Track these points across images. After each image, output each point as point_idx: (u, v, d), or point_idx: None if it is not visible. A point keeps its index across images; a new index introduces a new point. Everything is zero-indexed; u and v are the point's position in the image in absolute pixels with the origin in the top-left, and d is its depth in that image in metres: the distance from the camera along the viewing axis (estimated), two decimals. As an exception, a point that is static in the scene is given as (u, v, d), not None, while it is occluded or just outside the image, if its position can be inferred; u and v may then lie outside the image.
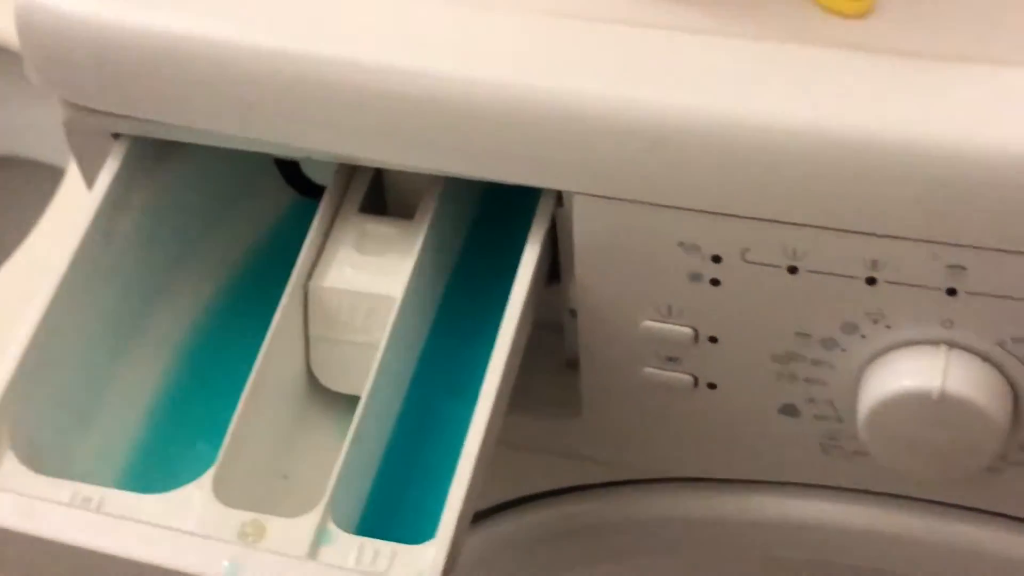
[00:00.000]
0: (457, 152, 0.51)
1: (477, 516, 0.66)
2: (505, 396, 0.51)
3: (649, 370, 0.56)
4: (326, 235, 0.55)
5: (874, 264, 0.49)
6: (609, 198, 0.50)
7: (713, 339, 0.54)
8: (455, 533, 0.46)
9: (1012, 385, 0.51)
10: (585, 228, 0.52)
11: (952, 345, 0.50)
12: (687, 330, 0.54)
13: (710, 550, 0.65)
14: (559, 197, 0.53)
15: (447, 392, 0.55)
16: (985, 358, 0.50)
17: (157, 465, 0.54)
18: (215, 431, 0.50)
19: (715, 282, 0.52)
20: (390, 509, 0.52)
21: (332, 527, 0.47)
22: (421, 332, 0.55)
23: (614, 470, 0.63)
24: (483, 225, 0.59)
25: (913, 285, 0.49)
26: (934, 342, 0.51)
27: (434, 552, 0.46)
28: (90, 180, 0.58)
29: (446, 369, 0.55)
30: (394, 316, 0.52)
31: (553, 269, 0.56)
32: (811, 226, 0.49)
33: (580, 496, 0.64)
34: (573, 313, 0.56)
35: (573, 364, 0.59)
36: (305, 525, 0.47)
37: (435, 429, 0.54)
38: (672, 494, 0.62)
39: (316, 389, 0.56)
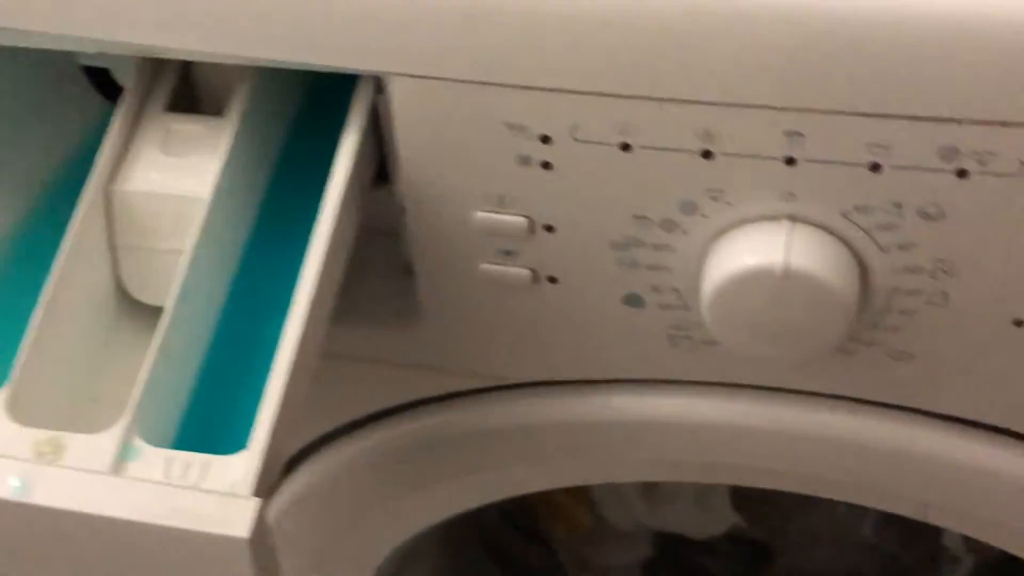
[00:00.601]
0: (260, 38, 0.48)
1: (326, 438, 0.63)
2: (326, 302, 0.48)
3: (485, 266, 0.53)
4: (129, 137, 0.51)
5: (708, 135, 0.46)
6: (428, 78, 0.47)
7: (549, 228, 0.51)
8: (268, 443, 0.43)
9: (858, 258, 0.48)
10: (405, 113, 0.49)
11: (795, 219, 0.48)
12: (521, 220, 0.51)
13: (569, 455, 0.62)
14: (379, 83, 0.49)
15: (270, 301, 0.51)
16: (829, 231, 0.48)
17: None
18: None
19: (546, 165, 0.49)
20: (210, 427, 0.49)
21: (138, 442, 0.44)
22: (238, 235, 0.52)
23: (464, 379, 0.60)
24: (311, 118, 0.56)
25: (750, 156, 0.47)
26: (776, 217, 0.48)
27: (246, 462, 0.43)
28: None
29: (269, 277, 0.52)
30: (202, 218, 0.48)
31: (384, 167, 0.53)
32: (642, 98, 0.46)
33: (433, 409, 0.61)
34: (404, 211, 0.53)
35: (410, 270, 0.56)
36: (107, 441, 0.43)
37: (255, 347, 0.50)
38: (523, 400, 0.59)
39: (130, 303, 0.52)
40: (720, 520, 0.92)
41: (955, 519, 0.64)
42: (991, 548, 0.89)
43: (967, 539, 0.89)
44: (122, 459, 0.43)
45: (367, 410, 0.62)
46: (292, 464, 0.65)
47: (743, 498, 0.91)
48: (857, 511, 0.91)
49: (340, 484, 0.64)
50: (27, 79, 0.57)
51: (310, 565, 0.68)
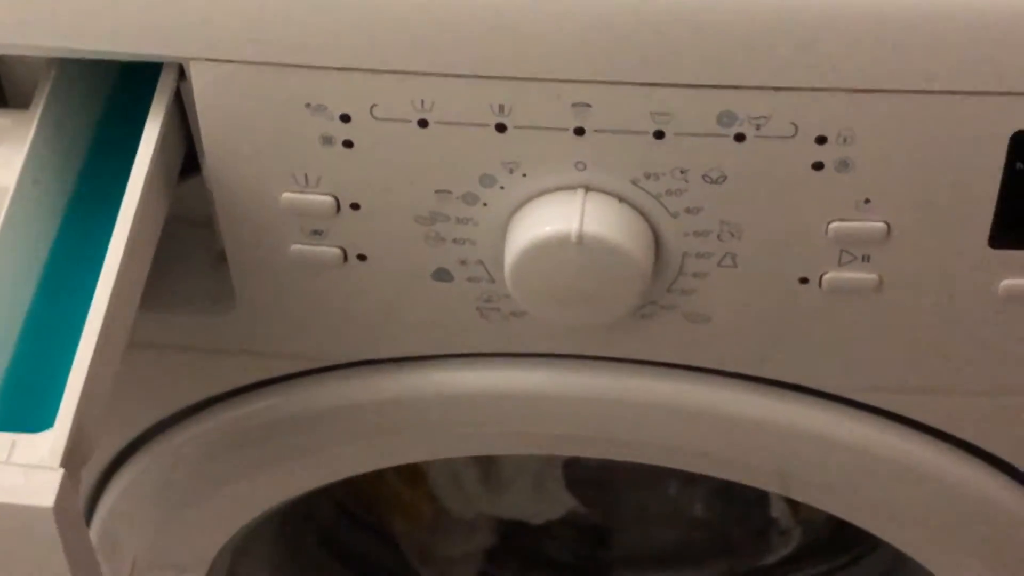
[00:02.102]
0: (57, 26, 0.48)
1: (154, 429, 0.64)
2: (130, 284, 0.49)
3: (296, 247, 0.54)
4: (-67, 130, 0.52)
5: (502, 109, 0.48)
6: (227, 61, 0.48)
7: (355, 206, 0.52)
8: (75, 419, 0.44)
9: (650, 224, 0.51)
10: (207, 99, 0.50)
11: (589, 188, 0.50)
12: (327, 199, 0.52)
13: (392, 433, 0.63)
14: (182, 70, 0.50)
15: (82, 288, 0.52)
16: (622, 198, 0.50)
17: None
18: None
19: (348, 144, 0.50)
20: (28, 406, 0.49)
21: (-56, 424, 0.44)
22: (49, 226, 0.52)
23: (285, 363, 0.61)
24: (123, 107, 0.56)
25: (542, 128, 0.49)
26: (571, 187, 0.50)
27: (53, 438, 0.43)
28: None
29: (80, 264, 0.52)
30: (7, 204, 0.48)
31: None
32: (435, 74, 0.48)
33: (255, 394, 0.62)
34: (212, 196, 0.54)
35: (224, 256, 0.57)
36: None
37: (66, 330, 0.51)
38: (344, 381, 0.60)
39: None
40: (556, 504, 0.93)
41: (766, 481, 0.66)
42: (819, 520, 0.92)
43: (794, 511, 0.92)
44: (-75, 441, 0.43)
45: (194, 398, 0.63)
46: (126, 455, 0.65)
47: (578, 481, 0.93)
48: (689, 488, 0.94)
49: (172, 473, 0.64)
50: None
51: (149, 556, 0.69)
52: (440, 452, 0.68)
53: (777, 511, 0.93)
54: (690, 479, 0.89)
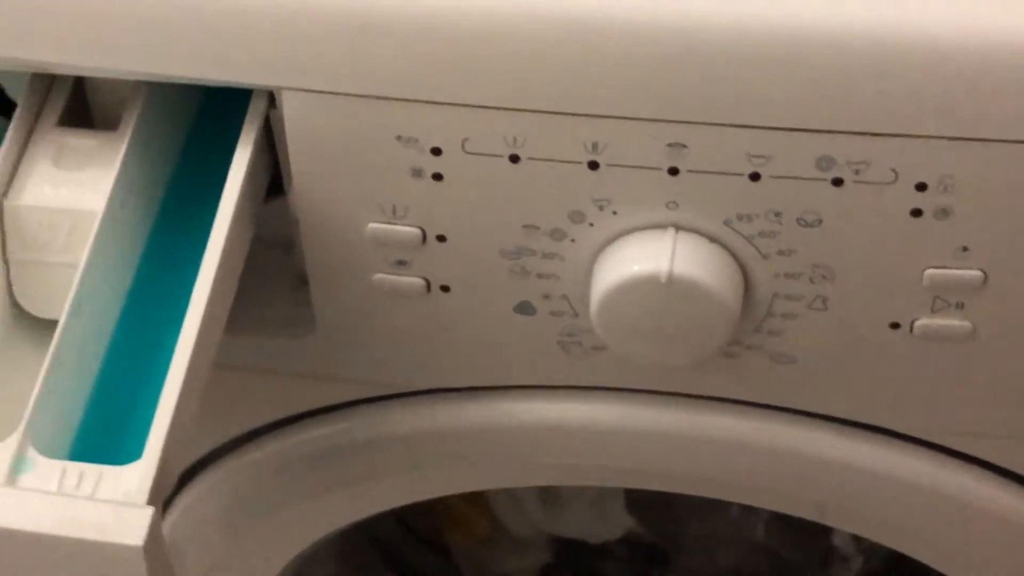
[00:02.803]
0: (153, 53, 0.48)
1: (225, 448, 0.64)
2: (219, 313, 0.49)
3: (379, 276, 0.53)
4: (22, 151, 0.51)
5: (595, 147, 0.48)
6: (320, 92, 0.48)
7: (441, 238, 0.52)
8: (163, 453, 0.44)
9: (741, 264, 0.50)
10: (298, 127, 0.49)
11: (679, 228, 0.49)
12: (414, 230, 0.52)
13: (465, 461, 0.63)
14: (272, 97, 0.50)
15: (166, 313, 0.52)
16: (712, 238, 0.49)
17: None
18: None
19: (438, 177, 0.50)
20: (105, 439, 0.49)
21: (32, 453, 0.44)
22: (134, 248, 0.52)
23: (360, 388, 0.60)
24: (204, 132, 0.56)
25: (635, 166, 0.48)
26: (661, 226, 0.49)
27: (140, 472, 0.43)
28: None
29: (165, 288, 0.52)
30: (94, 231, 0.48)
31: (279, 180, 0.54)
32: (529, 111, 0.47)
33: (329, 417, 0.62)
34: (298, 223, 0.53)
35: (306, 281, 0.56)
36: (0, 454, 0.43)
37: (150, 359, 0.51)
38: (421, 407, 0.60)
39: (22, 317, 0.52)
40: (616, 524, 0.93)
41: (846, 519, 0.66)
42: (880, 548, 0.92)
43: (857, 540, 0.91)
44: (15, 471, 0.43)
45: (264, 420, 0.63)
46: (191, 474, 0.65)
47: (638, 502, 0.92)
48: (750, 513, 0.93)
49: (238, 494, 0.64)
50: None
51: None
52: (509, 482, 0.67)
53: (839, 539, 0.92)
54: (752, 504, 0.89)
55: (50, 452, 0.45)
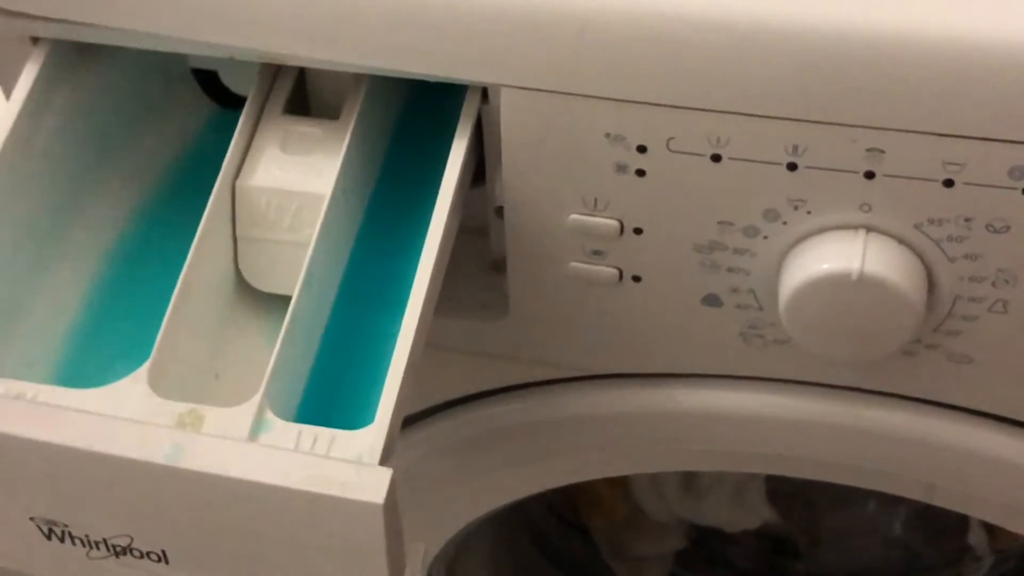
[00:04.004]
0: (381, 48, 0.51)
1: (411, 419, 0.67)
2: (436, 292, 0.52)
3: (575, 265, 0.57)
4: (251, 136, 0.55)
5: (795, 150, 0.50)
6: (536, 90, 0.51)
7: (638, 231, 0.55)
8: (392, 420, 0.47)
9: (927, 266, 0.52)
10: (512, 122, 0.52)
11: (870, 229, 0.52)
12: (613, 222, 0.55)
13: (638, 445, 0.66)
14: (484, 93, 0.53)
15: (377, 298, 0.55)
16: (902, 240, 0.52)
17: (89, 373, 0.54)
18: (145, 339, 0.50)
19: (640, 173, 0.53)
20: (325, 405, 0.52)
21: (270, 415, 0.47)
22: (350, 233, 0.56)
23: (542, 370, 0.64)
24: (411, 123, 0.59)
25: (833, 169, 0.50)
26: (853, 226, 0.52)
27: (373, 436, 0.46)
28: (8, 89, 0.57)
29: (375, 274, 0.56)
30: (324, 211, 0.52)
31: (477, 169, 0.57)
32: (734, 113, 0.50)
33: (510, 397, 0.65)
34: (499, 212, 0.57)
35: (498, 266, 0.60)
36: (243, 414, 0.47)
37: (364, 333, 0.54)
38: (600, 391, 0.63)
39: (244, 290, 0.56)
40: (755, 515, 0.95)
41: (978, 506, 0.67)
42: (1012, 550, 0.93)
43: (991, 538, 0.93)
44: (256, 431, 0.47)
45: (448, 397, 0.66)
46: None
47: (777, 493, 0.95)
48: (888, 508, 0.95)
49: (422, 463, 0.67)
50: (141, 80, 0.60)
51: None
52: (669, 466, 0.70)
53: (975, 538, 0.94)
54: (891, 499, 0.90)
55: (282, 414, 0.48)
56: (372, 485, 0.43)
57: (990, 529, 0.92)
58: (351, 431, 0.47)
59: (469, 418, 0.66)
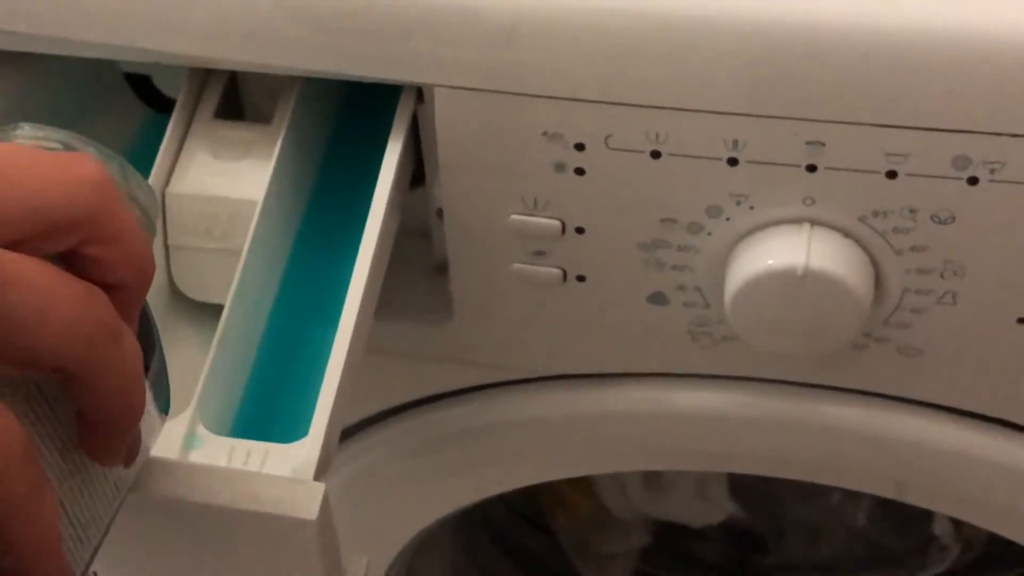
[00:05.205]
0: (313, 49, 0.50)
1: (357, 427, 0.66)
2: (373, 298, 0.51)
3: (518, 266, 0.55)
4: (181, 143, 0.54)
5: (735, 144, 0.49)
6: (470, 89, 0.50)
7: (580, 230, 0.54)
8: (327, 431, 0.46)
9: (873, 259, 0.51)
10: (448, 122, 0.51)
11: (815, 223, 0.51)
12: (554, 222, 0.53)
13: (589, 447, 0.65)
14: (420, 93, 0.52)
15: (315, 305, 0.54)
16: (847, 234, 0.51)
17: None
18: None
19: (580, 171, 0.52)
20: (262, 418, 0.51)
21: (202, 430, 0.46)
22: (286, 238, 0.54)
23: (490, 372, 0.63)
24: (347, 125, 0.58)
25: (774, 164, 0.50)
26: (797, 220, 0.51)
27: (307, 449, 0.45)
28: (-68, 97, 0.56)
29: (313, 281, 0.54)
30: (255, 221, 0.51)
31: (417, 171, 0.56)
32: (672, 108, 0.49)
33: (458, 401, 0.64)
34: (441, 214, 0.56)
35: (442, 269, 0.59)
36: (174, 430, 0.46)
37: (302, 343, 0.53)
38: (548, 393, 0.62)
39: (177, 300, 0.54)
40: (718, 509, 0.95)
41: (966, 510, 0.67)
42: (978, 538, 0.92)
43: (957, 529, 0.92)
44: (188, 447, 0.46)
45: (396, 402, 0.65)
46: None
47: (740, 488, 0.94)
48: (852, 500, 0.94)
49: (370, 471, 0.66)
50: (72, 86, 0.59)
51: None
52: (627, 465, 0.69)
53: (940, 528, 0.93)
54: (854, 491, 0.90)
55: (216, 429, 0.47)
56: (305, 501, 0.42)
57: (955, 519, 0.91)
58: (285, 444, 0.46)
59: (417, 423, 0.64)
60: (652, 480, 0.94)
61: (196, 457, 0.46)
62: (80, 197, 0.35)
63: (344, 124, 0.59)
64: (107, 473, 0.38)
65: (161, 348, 0.40)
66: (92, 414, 0.36)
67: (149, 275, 0.37)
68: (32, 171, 0.34)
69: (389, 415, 0.65)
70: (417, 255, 0.60)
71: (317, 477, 0.45)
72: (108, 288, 0.35)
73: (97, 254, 0.35)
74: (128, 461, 0.39)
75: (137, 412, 0.36)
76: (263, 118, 0.56)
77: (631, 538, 1.01)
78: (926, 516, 0.92)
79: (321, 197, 0.56)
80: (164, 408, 0.41)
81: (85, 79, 0.59)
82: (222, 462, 0.45)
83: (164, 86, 0.61)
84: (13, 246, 0.33)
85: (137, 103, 0.61)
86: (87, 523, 0.38)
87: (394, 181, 0.51)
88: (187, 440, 0.46)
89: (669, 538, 1.02)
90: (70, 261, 0.35)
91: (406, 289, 0.60)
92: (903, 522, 0.94)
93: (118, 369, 0.35)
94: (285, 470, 0.45)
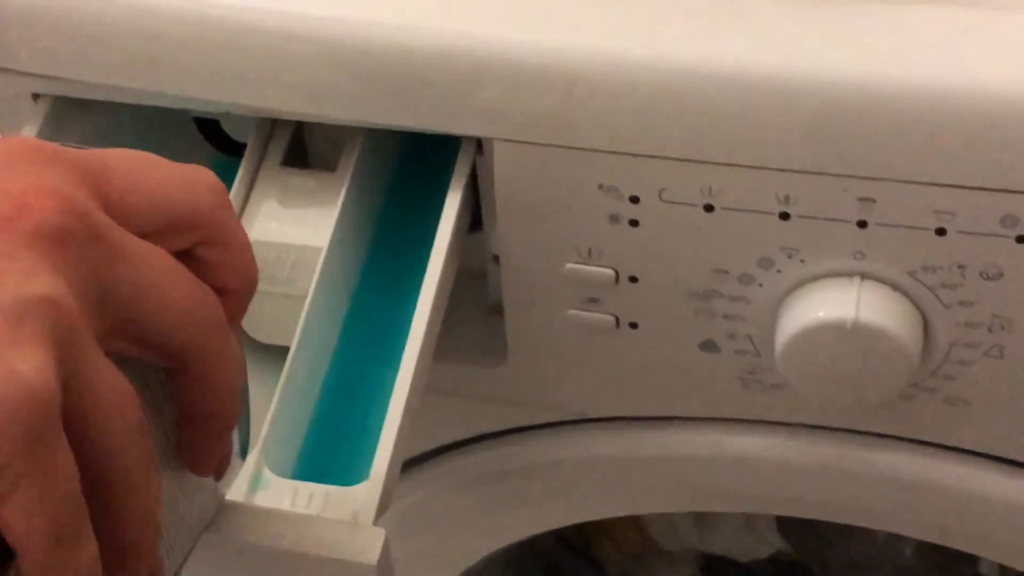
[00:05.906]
0: (377, 103, 0.52)
1: (409, 464, 0.67)
2: (432, 341, 0.52)
3: (572, 312, 0.57)
4: (249, 189, 0.56)
5: (787, 199, 0.50)
6: (529, 143, 0.51)
7: (633, 279, 0.55)
8: (387, 474, 0.47)
9: (922, 313, 0.52)
10: (506, 174, 0.53)
11: (864, 276, 0.52)
12: (608, 271, 0.55)
13: (638, 488, 0.66)
14: (479, 144, 0.54)
15: (376, 348, 0.55)
16: (896, 287, 0.52)
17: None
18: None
19: (634, 223, 0.53)
20: (324, 460, 0.53)
21: (266, 472, 0.48)
22: (348, 283, 0.56)
23: (542, 413, 0.64)
24: (407, 174, 0.60)
25: (825, 219, 0.51)
26: (847, 274, 0.52)
27: (367, 492, 0.47)
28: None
29: (374, 324, 0.56)
30: (320, 263, 0.53)
31: (475, 216, 0.57)
32: (726, 164, 0.50)
33: (509, 440, 0.65)
34: (496, 259, 0.57)
35: (497, 310, 0.60)
36: (241, 471, 0.47)
37: (363, 385, 0.54)
38: (598, 434, 0.63)
39: (246, 342, 0.56)
40: (766, 545, 0.95)
41: (988, 548, 0.67)
42: (1024, 575, 0.93)
43: (1004, 570, 0.92)
44: (253, 488, 0.48)
45: (447, 440, 0.66)
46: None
47: (788, 523, 0.94)
48: (898, 537, 0.95)
49: (421, 507, 0.68)
50: (142, 130, 0.61)
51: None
52: (673, 507, 0.70)
53: (986, 568, 0.93)
54: (901, 529, 0.90)
55: (280, 471, 0.49)
56: (366, 546, 0.44)
57: (1002, 557, 0.92)
58: (346, 487, 0.47)
59: (469, 461, 0.66)
60: (701, 515, 0.95)
61: (261, 499, 0.47)
62: (201, 200, 0.37)
63: (405, 172, 0.61)
64: (195, 494, 0.40)
65: (248, 391, 0.42)
66: (194, 407, 0.37)
67: (254, 284, 0.39)
68: (160, 173, 0.36)
69: (442, 452, 0.67)
70: (472, 295, 0.62)
71: (377, 519, 0.46)
72: (216, 292, 0.37)
73: (211, 257, 0.37)
74: (219, 474, 0.40)
75: (234, 416, 0.38)
76: (328, 166, 0.57)
77: (678, 570, 1.01)
78: (972, 556, 0.92)
79: (382, 243, 0.58)
80: (242, 451, 0.43)
81: (155, 123, 0.61)
82: (286, 504, 0.47)
83: (232, 130, 0.63)
84: (140, 237, 0.35)
85: (205, 146, 0.63)
86: (171, 542, 0.39)
87: (454, 229, 0.53)
88: (253, 481, 0.47)
89: (716, 571, 1.02)
90: (185, 262, 0.36)
91: (460, 329, 0.61)
92: (949, 561, 0.94)
93: (226, 366, 0.36)
94: (346, 513, 0.46)
